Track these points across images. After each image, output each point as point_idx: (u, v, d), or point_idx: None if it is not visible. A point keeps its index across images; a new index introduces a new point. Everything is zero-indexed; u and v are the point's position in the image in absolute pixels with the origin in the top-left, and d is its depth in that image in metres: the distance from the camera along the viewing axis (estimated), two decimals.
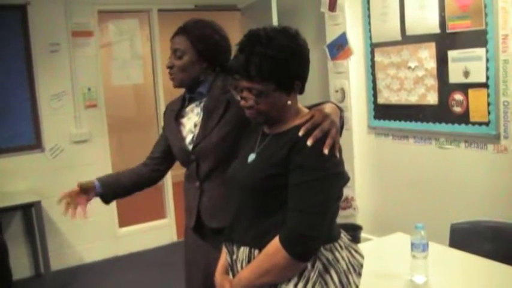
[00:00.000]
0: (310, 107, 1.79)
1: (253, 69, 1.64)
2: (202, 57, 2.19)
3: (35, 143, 5.05)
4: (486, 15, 3.66)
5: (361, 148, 4.91)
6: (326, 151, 1.61)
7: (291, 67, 1.68)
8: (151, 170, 2.43)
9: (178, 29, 2.24)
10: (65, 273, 5.05)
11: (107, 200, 2.40)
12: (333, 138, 1.64)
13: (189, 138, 2.25)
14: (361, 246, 1.89)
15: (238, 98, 1.76)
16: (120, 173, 2.44)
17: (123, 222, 5.59)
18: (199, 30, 2.19)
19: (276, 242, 1.62)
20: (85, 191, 2.31)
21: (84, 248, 5.30)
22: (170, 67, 2.22)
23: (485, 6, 3.66)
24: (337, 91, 4.98)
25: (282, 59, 1.65)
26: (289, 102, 1.72)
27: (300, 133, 1.64)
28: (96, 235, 5.34)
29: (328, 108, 1.74)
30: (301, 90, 1.75)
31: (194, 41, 2.17)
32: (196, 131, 2.22)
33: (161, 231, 5.78)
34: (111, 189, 2.37)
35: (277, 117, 1.73)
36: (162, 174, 2.49)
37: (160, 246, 5.68)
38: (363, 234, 4.82)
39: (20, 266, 4.93)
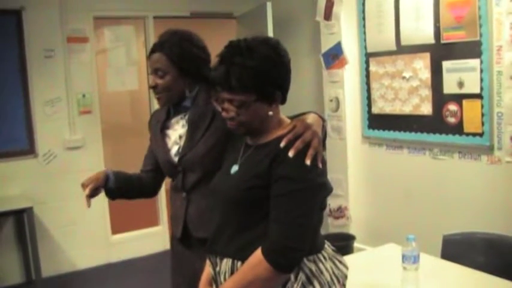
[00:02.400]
0: (292, 117, 1.79)
1: (234, 81, 1.64)
2: (184, 73, 2.16)
3: (28, 149, 5.03)
4: (481, 26, 3.67)
5: (355, 158, 4.90)
6: (308, 162, 1.60)
7: (272, 77, 1.67)
8: (149, 181, 2.40)
9: (155, 46, 2.18)
10: (56, 280, 5.01)
11: (113, 197, 2.31)
12: (315, 148, 1.63)
13: (174, 150, 2.24)
14: (351, 257, 1.89)
15: (220, 110, 1.75)
16: (130, 175, 2.38)
17: (116, 229, 5.56)
18: (177, 47, 2.14)
19: (258, 254, 1.61)
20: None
21: (76, 255, 5.26)
22: (154, 87, 2.18)
23: (479, 18, 3.67)
24: (331, 100, 4.97)
25: (263, 70, 1.65)
26: (270, 112, 1.71)
27: (282, 144, 1.64)
28: (88, 242, 5.31)
29: (310, 118, 1.73)
30: (282, 101, 1.74)
31: (174, 60, 2.14)
32: (182, 142, 2.21)
33: (154, 238, 5.75)
34: (122, 189, 2.28)
35: (259, 128, 1.73)
36: (159, 186, 2.46)
37: (153, 253, 5.64)
38: (356, 244, 4.81)
39: (11, 272, 4.90)
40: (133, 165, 2.52)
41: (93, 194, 2.18)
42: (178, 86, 2.18)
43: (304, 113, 1.79)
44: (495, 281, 2.27)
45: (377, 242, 3.47)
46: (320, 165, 1.65)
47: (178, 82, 2.17)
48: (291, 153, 1.60)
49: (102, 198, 5.66)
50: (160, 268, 5.12)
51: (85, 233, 5.26)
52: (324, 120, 1.80)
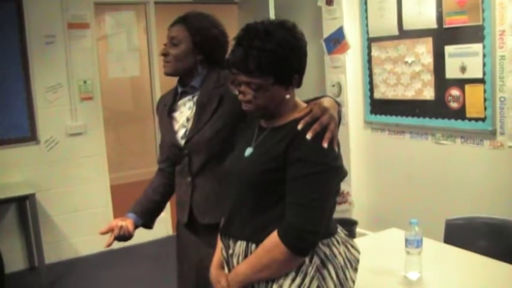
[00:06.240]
0: (308, 101, 1.78)
1: (252, 64, 1.63)
2: (198, 48, 2.17)
3: (30, 135, 5.02)
4: (483, 10, 3.65)
5: (357, 143, 4.89)
6: (325, 145, 1.60)
7: (290, 61, 1.67)
8: (170, 173, 2.37)
9: (178, 18, 2.22)
10: (59, 266, 5.03)
11: (150, 226, 2.43)
12: (332, 132, 1.63)
13: (181, 133, 2.23)
14: (355, 242, 1.89)
15: (236, 93, 1.75)
16: (147, 194, 2.41)
17: (118, 215, 5.52)
18: (198, 22, 2.18)
19: (274, 237, 1.62)
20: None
21: (79, 241, 5.28)
22: (165, 54, 2.19)
23: (482, 2, 3.64)
24: (333, 85, 4.96)
25: (281, 53, 1.64)
26: (287, 96, 1.71)
27: (299, 127, 1.63)
28: (91, 228, 5.30)
29: (326, 102, 1.73)
30: (299, 84, 1.74)
31: (192, 32, 2.16)
32: (189, 125, 2.19)
33: (157, 224, 5.64)
34: (149, 215, 2.38)
35: (275, 111, 1.72)
36: None
37: (155, 239, 5.65)
38: (358, 229, 4.82)
39: (14, 259, 4.92)
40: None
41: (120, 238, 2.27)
42: (189, 60, 2.18)
43: (319, 97, 1.78)
44: (498, 265, 2.27)
45: (379, 227, 3.48)
46: (336, 149, 1.65)
47: (189, 56, 2.18)
48: (308, 136, 1.60)
49: (103, 184, 5.65)
50: (162, 254, 5.13)
51: (87, 219, 5.26)
52: (339, 105, 1.80)
